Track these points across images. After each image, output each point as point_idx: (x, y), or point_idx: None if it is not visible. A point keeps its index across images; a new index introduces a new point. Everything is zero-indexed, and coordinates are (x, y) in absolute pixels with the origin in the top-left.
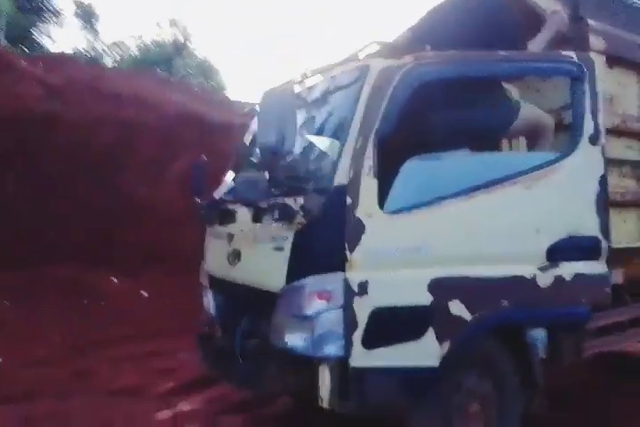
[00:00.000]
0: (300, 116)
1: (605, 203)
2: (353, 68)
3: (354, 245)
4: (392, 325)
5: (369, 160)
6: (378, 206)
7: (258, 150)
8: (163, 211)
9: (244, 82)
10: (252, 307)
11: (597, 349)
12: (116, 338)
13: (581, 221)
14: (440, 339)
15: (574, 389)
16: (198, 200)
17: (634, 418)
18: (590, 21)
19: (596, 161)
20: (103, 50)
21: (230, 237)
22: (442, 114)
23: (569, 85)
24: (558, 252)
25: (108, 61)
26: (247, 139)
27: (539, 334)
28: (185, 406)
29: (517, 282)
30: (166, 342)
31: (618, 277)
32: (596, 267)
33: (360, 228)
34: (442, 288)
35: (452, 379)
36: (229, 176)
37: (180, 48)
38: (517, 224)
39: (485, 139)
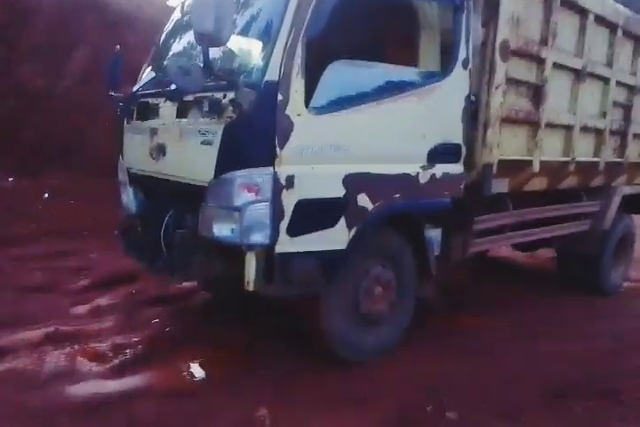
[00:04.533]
0: None
1: (468, 118)
2: None
3: (283, 141)
4: (313, 215)
5: (298, 59)
6: (304, 106)
7: (193, 39)
8: (63, 106)
9: None
10: (177, 201)
11: (479, 247)
12: (16, 237)
13: (452, 130)
14: (349, 226)
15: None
16: (114, 94)
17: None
18: None
19: (465, 82)
20: None
21: (153, 131)
22: (364, 20)
23: (452, 14)
24: (434, 154)
25: None
26: (169, 30)
27: (435, 233)
28: (102, 301)
29: (406, 179)
30: (73, 242)
31: (503, 186)
32: (456, 168)
33: (289, 125)
34: (353, 182)
35: (361, 268)
36: (148, 68)
37: None
38: (410, 130)
39: (399, 48)
